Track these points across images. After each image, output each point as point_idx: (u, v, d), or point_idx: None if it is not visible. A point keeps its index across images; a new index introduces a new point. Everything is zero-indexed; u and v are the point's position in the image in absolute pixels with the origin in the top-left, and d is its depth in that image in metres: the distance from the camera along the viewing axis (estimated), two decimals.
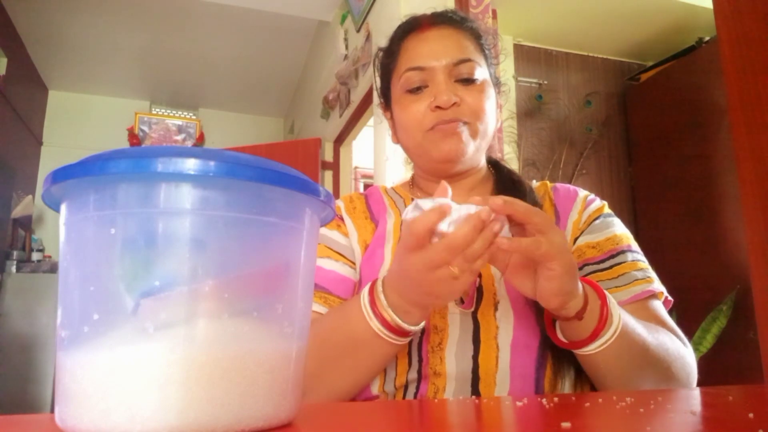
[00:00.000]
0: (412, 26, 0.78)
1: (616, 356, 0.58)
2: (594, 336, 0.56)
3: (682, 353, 0.64)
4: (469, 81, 0.73)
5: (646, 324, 0.62)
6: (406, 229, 0.49)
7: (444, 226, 0.48)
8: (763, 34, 0.62)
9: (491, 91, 0.76)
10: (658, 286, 0.69)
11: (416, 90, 0.74)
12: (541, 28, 2.67)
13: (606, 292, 0.57)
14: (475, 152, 0.75)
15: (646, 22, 2.66)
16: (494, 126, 0.77)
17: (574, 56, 2.86)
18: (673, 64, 2.63)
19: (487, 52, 0.78)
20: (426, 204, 0.48)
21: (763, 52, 0.62)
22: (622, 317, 0.57)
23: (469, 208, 0.48)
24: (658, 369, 0.61)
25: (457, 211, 0.48)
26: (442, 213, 0.47)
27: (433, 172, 0.79)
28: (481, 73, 0.75)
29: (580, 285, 0.55)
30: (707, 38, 2.52)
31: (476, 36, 0.78)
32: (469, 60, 0.73)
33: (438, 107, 0.71)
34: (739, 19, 0.65)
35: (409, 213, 0.49)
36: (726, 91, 0.66)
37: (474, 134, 0.73)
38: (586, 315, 0.55)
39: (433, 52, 0.74)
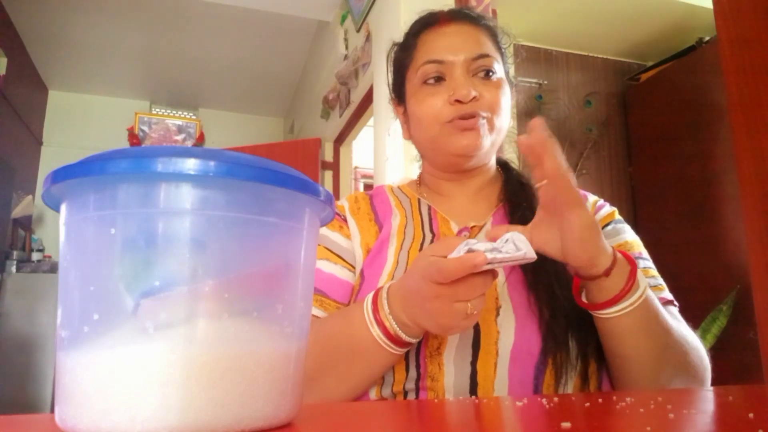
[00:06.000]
0: (430, 21, 0.78)
1: (640, 328, 0.58)
2: (619, 297, 0.56)
3: (699, 346, 0.65)
4: (487, 76, 0.74)
5: (667, 312, 0.63)
6: (434, 265, 0.49)
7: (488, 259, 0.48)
8: (763, 34, 0.62)
9: (507, 89, 0.76)
10: (668, 293, 0.70)
11: (434, 82, 0.74)
12: (541, 28, 2.67)
13: (636, 261, 0.58)
14: (490, 147, 0.75)
15: (646, 22, 2.66)
16: (508, 123, 0.78)
17: (574, 56, 2.86)
18: (673, 64, 2.63)
19: (503, 50, 0.79)
20: (479, 247, 0.48)
21: (763, 52, 0.62)
22: (648, 290, 0.58)
23: (515, 256, 0.48)
24: (678, 354, 0.61)
25: (503, 250, 0.49)
26: (475, 267, 0.47)
27: (445, 167, 0.79)
28: (498, 69, 0.75)
29: (608, 245, 0.56)
30: (707, 38, 2.52)
31: (493, 34, 0.78)
32: (487, 55, 0.74)
33: (457, 101, 0.71)
34: (739, 19, 0.65)
35: (462, 249, 0.49)
36: (726, 91, 0.66)
37: (492, 129, 0.73)
38: (614, 272, 0.55)
39: (451, 47, 0.74)
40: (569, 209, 0.52)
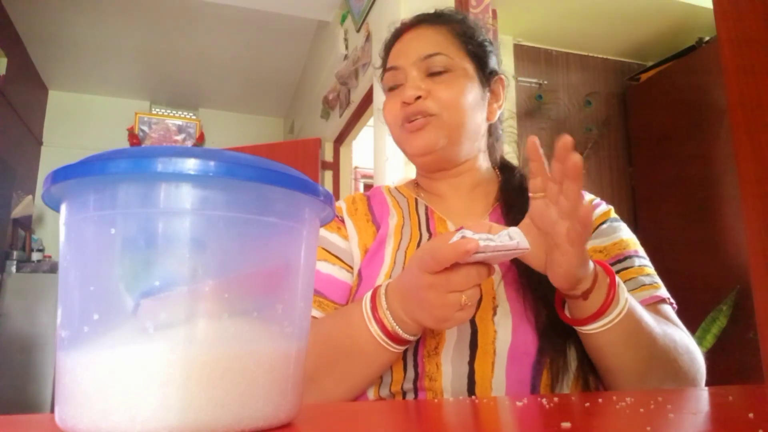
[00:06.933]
0: (398, 31, 0.82)
1: (622, 341, 0.58)
2: (598, 314, 0.56)
3: (691, 349, 0.64)
4: (438, 73, 0.74)
5: (654, 316, 0.63)
6: (429, 252, 0.49)
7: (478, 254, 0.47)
8: (763, 34, 0.62)
9: (468, 83, 0.75)
10: (664, 292, 0.69)
11: (393, 88, 0.78)
12: (541, 28, 2.67)
13: (617, 275, 0.58)
14: (450, 145, 0.74)
15: (646, 22, 2.66)
16: (477, 118, 0.76)
17: (574, 56, 2.86)
18: (673, 64, 2.63)
19: (470, 47, 0.77)
20: (474, 236, 0.47)
21: (763, 52, 0.62)
22: (629, 302, 0.57)
23: (508, 245, 0.48)
24: (665, 361, 0.61)
25: (496, 240, 0.48)
26: (467, 253, 0.46)
27: (420, 167, 0.82)
28: (455, 65, 0.75)
29: (591, 266, 0.56)
30: (707, 38, 2.52)
31: (455, 31, 0.78)
32: (437, 53, 0.74)
33: (404, 103, 0.74)
34: (739, 19, 0.65)
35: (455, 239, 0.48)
36: (726, 91, 0.66)
37: (443, 126, 0.73)
38: (592, 294, 0.56)
39: (403, 52, 0.77)
40: (572, 245, 0.51)
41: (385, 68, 0.82)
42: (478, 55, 0.78)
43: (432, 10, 0.82)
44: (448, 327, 0.56)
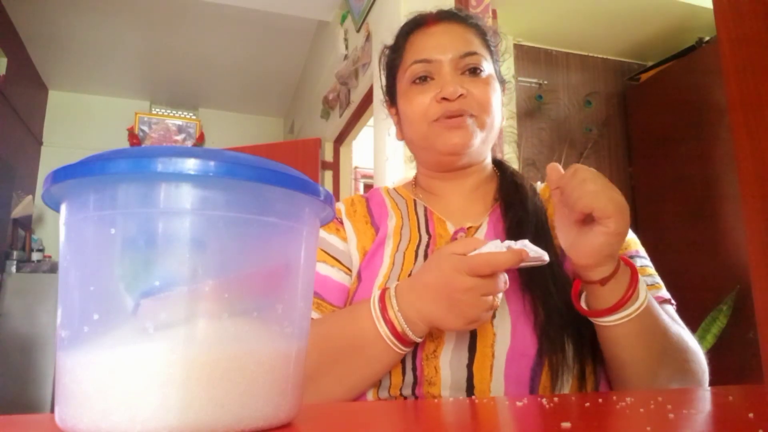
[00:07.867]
0: (419, 22, 0.79)
1: (637, 336, 0.58)
2: (619, 305, 0.56)
3: (697, 350, 0.65)
4: (475, 73, 0.74)
5: (666, 316, 0.63)
6: (480, 258, 0.53)
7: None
8: (763, 34, 0.62)
9: (497, 86, 0.77)
10: (665, 292, 0.70)
11: (422, 81, 0.75)
12: (541, 28, 2.67)
13: (638, 271, 0.59)
14: (480, 145, 0.75)
15: (646, 22, 2.66)
16: (500, 121, 0.78)
17: (574, 56, 2.86)
18: (673, 64, 2.63)
19: (492, 48, 0.79)
20: (515, 246, 0.55)
21: (763, 52, 0.62)
22: (648, 297, 0.58)
23: (540, 257, 0.55)
24: (676, 360, 0.61)
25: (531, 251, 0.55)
26: (522, 261, 0.53)
27: (437, 166, 0.79)
28: (487, 67, 0.75)
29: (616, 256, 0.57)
30: (707, 38, 2.52)
31: (481, 32, 0.79)
32: (474, 53, 0.74)
33: (444, 99, 0.72)
34: (739, 19, 0.65)
35: (491, 246, 0.54)
36: (726, 91, 0.66)
37: (481, 126, 0.73)
38: (611, 282, 0.56)
39: (439, 46, 0.75)
40: (606, 217, 0.53)
41: (400, 56, 0.79)
42: (497, 60, 0.80)
43: (447, 9, 0.82)
44: (475, 326, 0.59)
